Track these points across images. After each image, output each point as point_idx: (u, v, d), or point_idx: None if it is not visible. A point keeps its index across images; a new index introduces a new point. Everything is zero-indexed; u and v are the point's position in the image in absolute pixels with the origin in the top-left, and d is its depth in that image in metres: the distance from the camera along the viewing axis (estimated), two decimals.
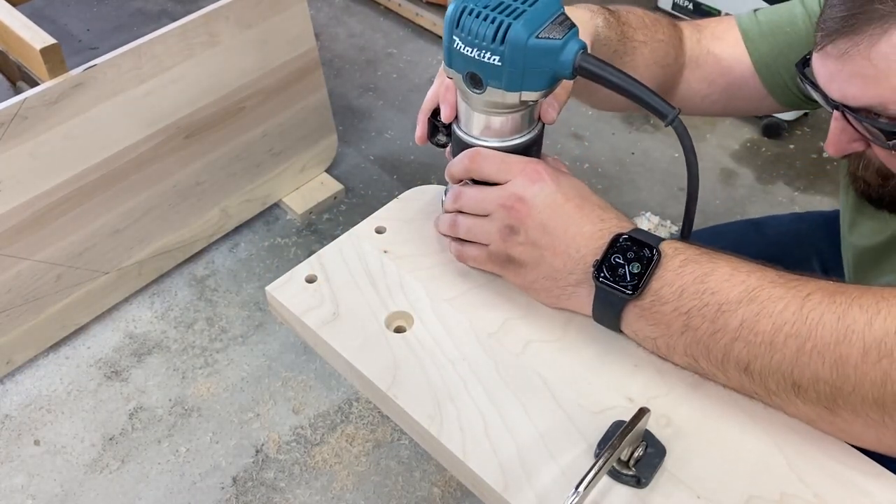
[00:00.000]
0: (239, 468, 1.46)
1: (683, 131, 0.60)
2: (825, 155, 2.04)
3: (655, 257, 0.59)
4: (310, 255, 0.79)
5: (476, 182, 0.67)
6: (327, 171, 1.97)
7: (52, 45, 1.37)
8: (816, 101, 0.67)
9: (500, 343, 0.66)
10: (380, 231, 0.77)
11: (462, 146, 0.67)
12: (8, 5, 1.49)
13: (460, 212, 0.69)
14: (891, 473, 0.57)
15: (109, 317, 1.69)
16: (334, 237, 0.92)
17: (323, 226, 1.89)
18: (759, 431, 0.60)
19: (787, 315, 0.55)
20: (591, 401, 0.62)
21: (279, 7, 1.64)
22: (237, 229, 1.86)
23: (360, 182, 1.99)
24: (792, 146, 2.08)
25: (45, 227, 1.47)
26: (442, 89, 0.68)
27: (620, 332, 0.64)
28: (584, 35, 0.69)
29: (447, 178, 0.70)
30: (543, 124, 0.68)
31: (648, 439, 0.58)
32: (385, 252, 0.74)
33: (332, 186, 1.94)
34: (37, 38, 1.39)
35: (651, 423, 0.60)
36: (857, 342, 0.53)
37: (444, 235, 0.72)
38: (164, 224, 1.68)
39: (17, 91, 1.76)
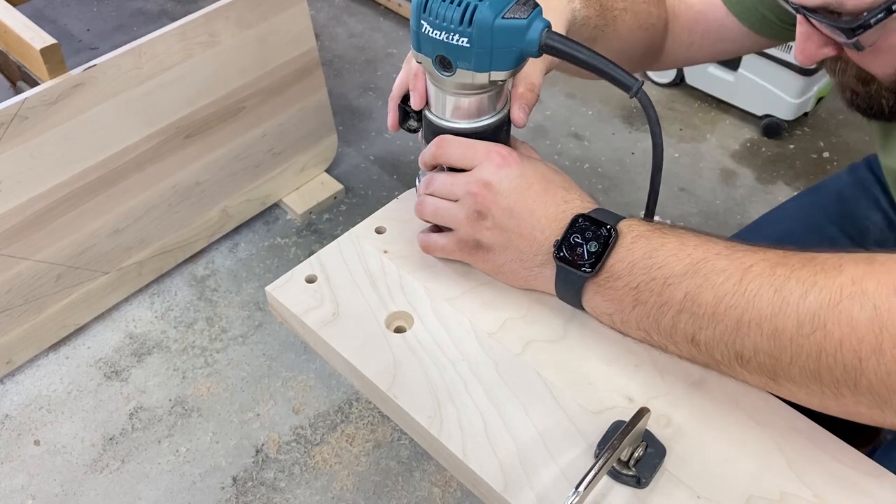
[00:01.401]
0: (239, 468, 1.46)
1: (648, 102, 0.62)
2: (825, 155, 2.04)
3: (613, 236, 0.61)
4: (310, 255, 0.79)
5: (450, 168, 0.69)
6: (327, 171, 1.97)
7: (52, 45, 1.37)
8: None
9: (500, 343, 0.67)
10: (380, 231, 0.77)
11: (433, 130, 0.68)
12: (8, 5, 1.49)
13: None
14: (891, 473, 0.57)
15: (109, 317, 1.69)
16: (334, 237, 0.92)
17: (323, 226, 1.89)
18: (759, 431, 0.60)
19: (728, 286, 0.56)
20: (591, 401, 0.62)
21: (279, 7, 1.64)
22: (237, 229, 1.86)
23: (360, 182, 1.99)
24: (792, 146, 2.08)
25: (45, 227, 1.47)
26: (411, 76, 0.69)
27: (583, 309, 0.66)
28: (561, 20, 0.70)
29: (420, 165, 0.71)
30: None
31: (648, 439, 0.58)
32: (385, 252, 0.74)
33: (332, 186, 1.94)
34: (37, 38, 1.39)
35: (651, 423, 0.60)
36: (791, 314, 0.54)
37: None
38: (164, 224, 1.68)
39: (17, 91, 1.76)
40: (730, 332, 0.56)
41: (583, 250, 0.62)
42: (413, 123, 0.72)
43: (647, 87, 2.18)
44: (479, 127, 0.67)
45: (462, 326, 0.68)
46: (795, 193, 1.94)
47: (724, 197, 1.96)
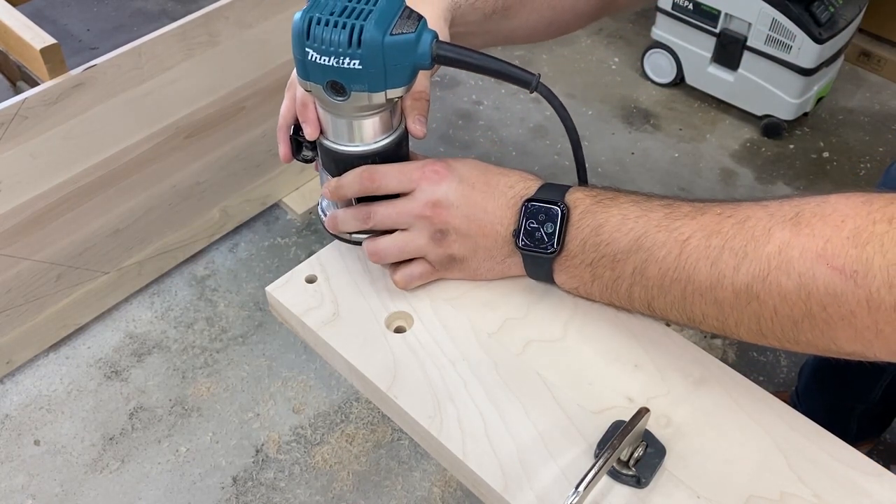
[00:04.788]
0: (239, 468, 1.46)
1: (549, 93, 0.64)
2: (825, 155, 2.04)
3: (564, 213, 0.63)
4: (310, 255, 0.79)
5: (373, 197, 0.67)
6: None
7: (52, 45, 1.37)
8: None
9: (500, 343, 0.67)
10: None
11: (334, 157, 0.66)
12: (8, 5, 1.48)
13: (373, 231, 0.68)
14: (891, 473, 0.57)
15: (109, 317, 1.69)
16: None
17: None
18: (759, 431, 0.60)
19: (670, 261, 0.59)
20: (591, 401, 0.62)
21: (279, 7, 1.64)
22: (237, 229, 1.86)
23: None
24: (792, 146, 2.08)
25: (45, 227, 1.47)
26: (299, 106, 0.67)
27: (556, 284, 0.68)
28: (441, 15, 0.69)
29: (330, 198, 0.69)
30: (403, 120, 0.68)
31: (648, 439, 0.58)
32: None
33: None
34: (37, 38, 1.39)
35: (651, 423, 0.60)
36: (728, 286, 0.57)
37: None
38: (164, 224, 1.68)
39: (17, 91, 1.76)
40: (679, 301, 0.60)
41: (541, 234, 0.63)
42: (308, 153, 0.69)
43: (647, 88, 2.19)
44: (382, 146, 0.65)
45: (462, 326, 0.68)
46: (795, 193, 1.94)
47: (724, 197, 1.95)
